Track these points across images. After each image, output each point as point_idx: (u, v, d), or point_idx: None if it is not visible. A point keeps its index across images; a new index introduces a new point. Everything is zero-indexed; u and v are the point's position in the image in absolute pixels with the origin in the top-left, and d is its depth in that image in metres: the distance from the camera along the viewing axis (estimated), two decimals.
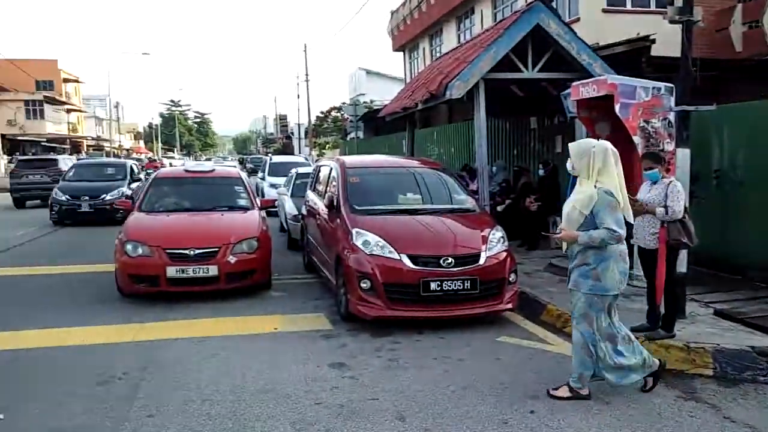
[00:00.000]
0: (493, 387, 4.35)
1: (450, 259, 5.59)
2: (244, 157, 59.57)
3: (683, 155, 5.92)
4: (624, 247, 3.99)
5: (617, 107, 6.64)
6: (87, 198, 14.12)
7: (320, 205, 7.39)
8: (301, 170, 12.08)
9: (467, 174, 11.31)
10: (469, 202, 6.84)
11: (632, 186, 5.54)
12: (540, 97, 10.88)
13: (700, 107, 6.01)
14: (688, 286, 5.75)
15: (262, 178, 17.40)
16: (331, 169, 7.50)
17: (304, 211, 8.76)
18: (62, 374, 4.62)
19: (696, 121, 7.07)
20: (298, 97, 44.33)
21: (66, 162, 20.82)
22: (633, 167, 6.88)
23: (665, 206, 4.81)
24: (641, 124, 6.70)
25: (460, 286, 5.58)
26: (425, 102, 9.73)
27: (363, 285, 5.55)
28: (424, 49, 25.71)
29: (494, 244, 5.96)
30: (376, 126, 26.16)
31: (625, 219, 3.95)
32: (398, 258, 5.56)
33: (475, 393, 4.25)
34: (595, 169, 3.89)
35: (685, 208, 4.94)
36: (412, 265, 5.53)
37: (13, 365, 4.91)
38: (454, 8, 21.29)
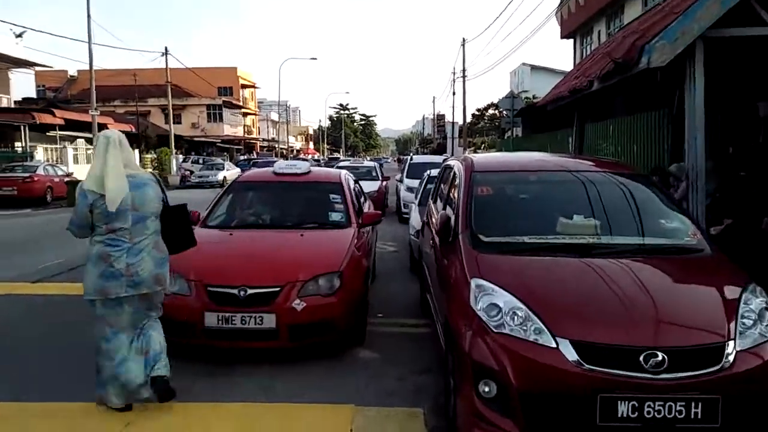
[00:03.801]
0: None
1: (659, 356, 2.80)
2: (402, 157, 59.08)
3: None
4: (109, 249, 3.60)
5: None
6: None
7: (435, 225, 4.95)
8: (434, 172, 9.68)
9: (658, 180, 8.06)
10: (690, 234, 3.89)
11: None
12: None
13: None
14: None
15: (400, 180, 15.33)
16: (455, 172, 5.01)
17: (420, 228, 6.39)
18: None
19: None
20: (454, 94, 41.64)
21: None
22: None
23: None
24: None
25: (680, 411, 2.76)
26: (604, 78, 6.78)
27: (484, 389, 2.99)
28: (599, 32, 21.83)
29: (751, 322, 3.03)
30: (538, 122, 22.86)
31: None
32: (553, 345, 2.91)
33: None
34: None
35: None
36: (579, 362, 2.85)
37: None
38: None
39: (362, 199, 7.42)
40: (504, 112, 21.14)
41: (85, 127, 28.13)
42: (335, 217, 5.93)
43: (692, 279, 3.42)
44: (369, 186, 14.55)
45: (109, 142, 3.64)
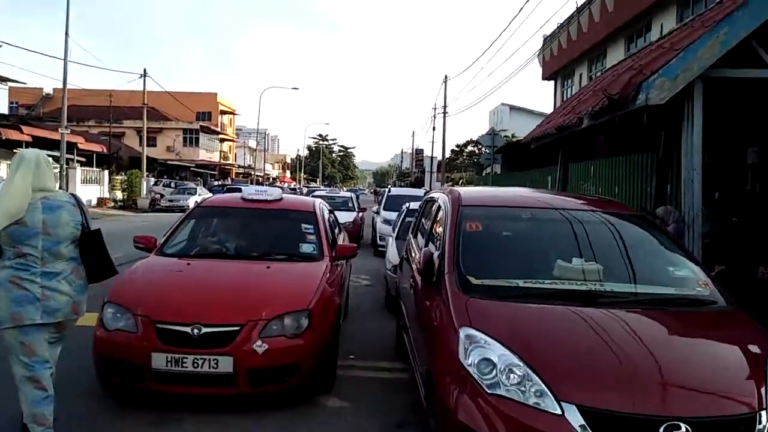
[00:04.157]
0: None
1: (683, 429, 2.37)
2: (378, 189, 59.06)
3: None
4: (20, 272, 3.25)
5: None
6: None
7: (415, 265, 4.51)
8: (413, 205, 9.30)
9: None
10: (701, 284, 3.51)
11: None
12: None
13: None
14: None
15: (377, 212, 14.92)
16: (439, 205, 4.60)
17: (397, 263, 5.95)
18: None
19: None
20: (434, 129, 41.86)
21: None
22: None
23: None
24: None
25: None
26: (596, 115, 6.52)
27: None
28: (581, 75, 22.08)
29: None
30: (516, 160, 22.90)
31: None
32: (557, 412, 2.46)
33: None
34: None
35: None
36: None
37: None
38: (624, 24, 17.51)
39: (337, 231, 6.96)
40: (483, 148, 21.06)
41: (56, 145, 27.22)
42: (307, 248, 5.44)
43: (711, 336, 3.03)
44: (345, 217, 14.12)
45: (22, 161, 3.35)
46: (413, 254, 5.29)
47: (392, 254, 7.78)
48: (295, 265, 5.08)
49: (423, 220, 5.57)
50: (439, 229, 4.25)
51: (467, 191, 4.54)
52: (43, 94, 54.98)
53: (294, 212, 6.04)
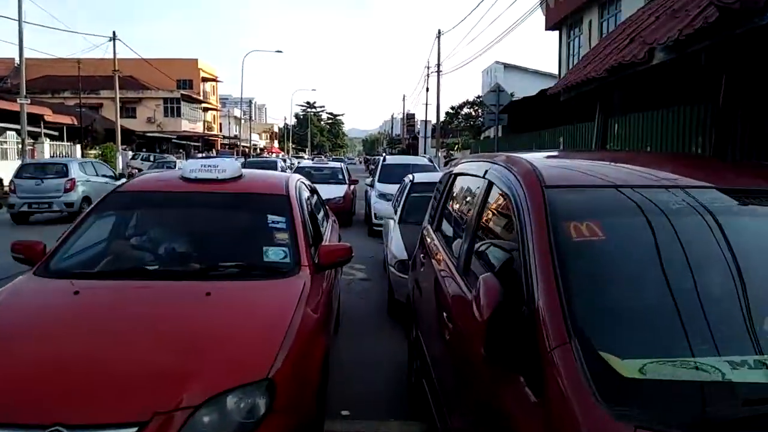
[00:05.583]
0: None
1: None
2: (369, 158, 56.91)
3: None
4: None
5: None
6: None
7: (452, 287, 2.62)
8: (420, 177, 7.40)
9: None
10: None
11: None
12: None
13: None
14: None
15: (371, 185, 12.99)
16: (490, 186, 2.68)
17: (415, 274, 4.05)
18: None
19: None
20: (427, 90, 39.44)
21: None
22: None
23: None
24: None
25: None
26: (687, 42, 4.56)
27: None
28: (590, 23, 19.98)
29: None
30: (518, 122, 21.05)
31: None
32: None
33: None
34: None
35: None
36: None
37: None
38: None
39: (321, 216, 5.06)
40: (486, 109, 19.04)
41: (18, 117, 24.86)
42: (274, 255, 3.51)
43: None
44: (334, 191, 12.26)
45: None
46: (432, 246, 3.45)
47: (396, 245, 5.91)
48: (253, 286, 3.15)
49: (451, 204, 3.68)
50: (501, 229, 2.37)
51: (540, 161, 2.56)
52: (15, 65, 52.02)
53: (257, 197, 4.05)
